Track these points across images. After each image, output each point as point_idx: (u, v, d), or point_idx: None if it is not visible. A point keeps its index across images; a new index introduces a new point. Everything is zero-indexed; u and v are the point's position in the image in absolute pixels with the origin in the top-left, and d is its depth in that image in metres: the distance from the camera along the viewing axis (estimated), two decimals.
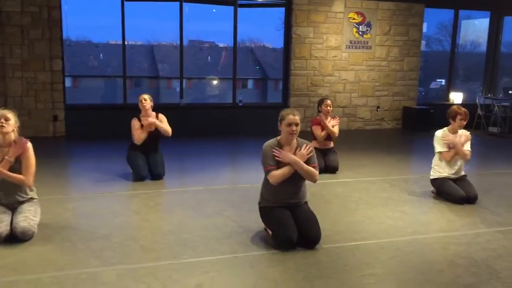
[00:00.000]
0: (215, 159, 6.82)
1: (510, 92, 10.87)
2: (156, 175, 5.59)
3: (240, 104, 10.10)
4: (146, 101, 5.63)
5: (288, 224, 3.57)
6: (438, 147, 5.09)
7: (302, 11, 9.91)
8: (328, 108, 6.30)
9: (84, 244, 3.55)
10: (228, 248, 3.54)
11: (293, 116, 3.67)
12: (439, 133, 5.16)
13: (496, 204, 4.88)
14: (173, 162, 6.34)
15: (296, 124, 3.67)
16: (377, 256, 3.49)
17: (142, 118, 5.61)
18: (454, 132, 5.14)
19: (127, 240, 3.67)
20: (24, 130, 7.34)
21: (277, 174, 3.62)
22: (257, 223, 4.01)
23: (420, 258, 3.49)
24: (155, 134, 5.67)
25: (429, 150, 7.90)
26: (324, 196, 5.06)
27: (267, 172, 3.68)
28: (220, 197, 5.04)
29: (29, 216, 3.64)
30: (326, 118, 6.27)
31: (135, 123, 5.61)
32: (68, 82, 12.54)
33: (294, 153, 3.70)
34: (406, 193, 5.19)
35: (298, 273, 3.14)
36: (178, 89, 10.28)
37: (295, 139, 3.77)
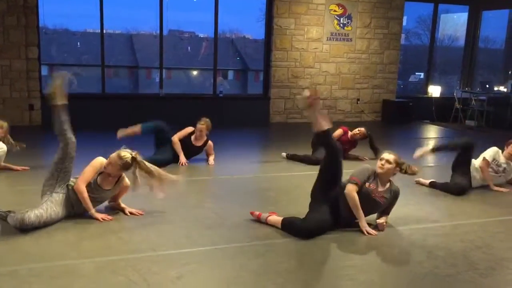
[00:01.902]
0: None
1: (487, 86, 11.05)
2: None
3: (221, 95, 10.04)
4: (203, 125, 5.88)
5: (324, 230, 3.65)
6: (487, 158, 5.17)
7: (283, 2, 9.87)
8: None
9: (61, 236, 3.48)
10: (209, 240, 3.52)
11: (387, 154, 3.80)
12: (494, 151, 5.22)
13: (474, 197, 4.96)
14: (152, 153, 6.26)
15: (387, 161, 3.76)
16: (357, 248, 3.52)
17: (192, 140, 5.99)
18: (508, 159, 5.23)
19: (105, 231, 3.61)
20: None
21: (353, 198, 3.65)
22: (238, 216, 4.00)
23: (399, 249, 3.52)
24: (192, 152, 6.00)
25: (408, 143, 8.00)
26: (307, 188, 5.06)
27: (352, 181, 3.69)
28: (201, 188, 5.01)
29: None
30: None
31: (187, 130, 5.99)
32: (44, 71, 12.26)
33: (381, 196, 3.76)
34: None
35: (279, 265, 3.13)
36: (157, 80, 10.17)
37: (390, 182, 3.84)
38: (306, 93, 3.64)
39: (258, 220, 3.90)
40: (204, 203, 4.43)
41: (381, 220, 3.83)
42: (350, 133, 6.55)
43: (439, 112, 11.26)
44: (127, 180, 4.03)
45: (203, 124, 5.96)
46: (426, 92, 11.96)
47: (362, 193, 3.70)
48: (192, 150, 6.06)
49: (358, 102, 10.82)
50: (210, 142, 6.13)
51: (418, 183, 5.31)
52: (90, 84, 15.90)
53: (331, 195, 3.74)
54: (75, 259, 3.10)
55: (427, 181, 5.28)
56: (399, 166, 3.82)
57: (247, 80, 21.63)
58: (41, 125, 8.49)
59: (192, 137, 6.03)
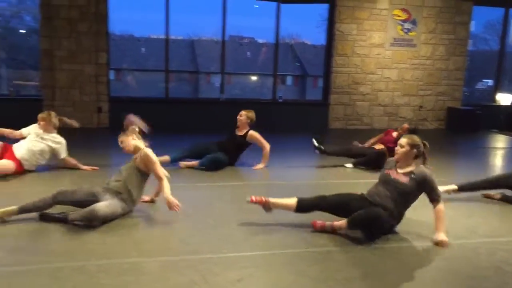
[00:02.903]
0: (253, 155, 6.81)
1: None
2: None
3: (280, 100, 10.08)
4: (242, 116, 6.14)
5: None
6: None
7: (346, 7, 9.78)
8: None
9: (126, 235, 3.62)
10: (267, 245, 3.53)
11: (401, 138, 3.87)
12: None
13: None
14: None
15: (399, 145, 3.82)
16: (421, 259, 3.41)
17: (236, 132, 6.23)
18: None
19: (165, 232, 3.72)
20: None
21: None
22: (295, 221, 3.99)
23: (465, 263, 3.39)
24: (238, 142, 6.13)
25: (474, 152, 7.66)
26: None
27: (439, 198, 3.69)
28: (259, 193, 5.04)
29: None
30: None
31: None
32: (111, 75, 12.84)
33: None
34: (449, 196, 5.04)
35: (338, 273, 3.10)
36: (217, 84, 10.36)
37: (413, 166, 3.79)
38: None
39: (322, 231, 3.81)
40: (261, 208, 4.44)
41: (439, 238, 3.64)
42: (395, 132, 6.52)
43: (509, 121, 10.72)
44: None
45: (242, 115, 6.18)
46: (494, 100, 11.44)
47: (382, 178, 3.79)
48: (238, 141, 6.15)
49: (421, 109, 10.52)
50: (251, 132, 6.19)
51: (487, 196, 5.05)
52: (152, 88, 16.45)
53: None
54: (140, 258, 3.21)
55: (498, 194, 5.02)
56: (414, 148, 3.75)
57: (305, 85, 21.57)
58: (108, 127, 8.86)
59: (236, 129, 6.24)
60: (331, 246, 3.54)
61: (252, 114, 6.23)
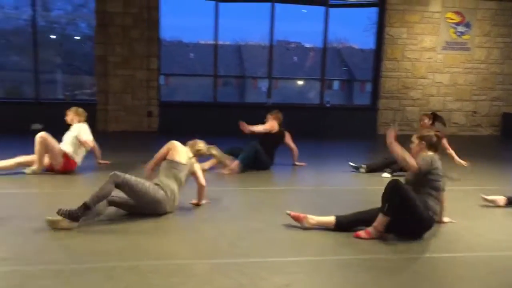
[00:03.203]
0: (302, 159, 6.80)
1: None
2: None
3: (328, 105, 10.01)
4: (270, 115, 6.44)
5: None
6: None
7: (396, 11, 9.62)
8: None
9: (177, 236, 3.70)
10: (316, 251, 3.51)
11: None
12: None
13: None
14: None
15: (410, 142, 4.08)
16: (475, 271, 3.29)
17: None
18: None
19: (216, 234, 3.77)
20: (121, 125, 7.82)
21: None
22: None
23: None
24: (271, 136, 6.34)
25: None
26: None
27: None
28: (307, 198, 5.02)
29: None
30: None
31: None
32: (161, 80, 13.16)
33: None
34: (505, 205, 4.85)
35: (389, 282, 3.04)
36: (263, 89, 10.41)
37: None
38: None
39: (370, 238, 3.74)
40: (310, 213, 4.42)
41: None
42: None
43: None
44: None
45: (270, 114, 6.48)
46: None
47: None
48: (271, 137, 6.33)
49: (475, 114, 10.17)
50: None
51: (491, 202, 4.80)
52: (199, 92, 16.73)
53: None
54: (189, 259, 3.27)
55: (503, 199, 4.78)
56: (423, 140, 3.96)
57: (352, 90, 21.31)
58: (157, 131, 9.08)
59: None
60: (380, 254, 3.48)
61: (278, 113, 6.57)
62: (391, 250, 3.55)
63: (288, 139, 6.51)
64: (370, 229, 3.75)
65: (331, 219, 3.89)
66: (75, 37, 14.55)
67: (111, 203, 3.99)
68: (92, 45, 12.96)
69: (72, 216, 3.68)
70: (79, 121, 5.87)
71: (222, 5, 9.43)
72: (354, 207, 4.43)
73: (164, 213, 4.12)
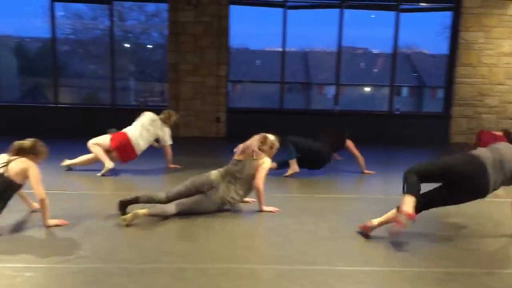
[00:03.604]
0: (369, 168, 6.67)
1: None
2: None
3: (397, 112, 9.75)
4: None
5: None
6: None
7: (472, 15, 9.22)
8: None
9: (244, 241, 3.74)
10: (385, 261, 3.42)
11: None
12: None
13: None
14: (326, 168, 6.39)
15: None
16: None
17: None
18: None
19: (283, 240, 3.77)
20: (191, 130, 8.03)
21: None
22: (417, 238, 3.82)
23: None
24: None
25: None
26: (493, 216, 4.62)
27: None
28: (377, 206, 4.91)
29: None
30: None
31: None
32: (228, 87, 13.37)
33: None
34: None
35: None
36: (329, 96, 10.32)
37: None
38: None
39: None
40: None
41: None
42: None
43: None
44: None
45: None
46: None
47: None
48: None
49: None
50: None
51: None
52: (265, 99, 16.84)
53: None
54: (257, 264, 3.29)
55: None
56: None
57: (422, 97, 20.61)
58: (225, 136, 9.24)
59: None
60: (454, 267, 3.33)
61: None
62: (469, 264, 3.39)
63: (351, 146, 6.42)
64: (399, 217, 3.59)
65: (393, 211, 3.77)
66: (148, 46, 15.16)
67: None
68: (163, 53, 13.47)
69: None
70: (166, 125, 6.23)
71: (290, 12, 9.48)
72: (424, 217, 4.28)
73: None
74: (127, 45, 13.97)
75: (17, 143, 3.89)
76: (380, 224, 3.82)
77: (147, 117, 6.13)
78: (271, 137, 4.58)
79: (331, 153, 6.28)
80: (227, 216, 4.41)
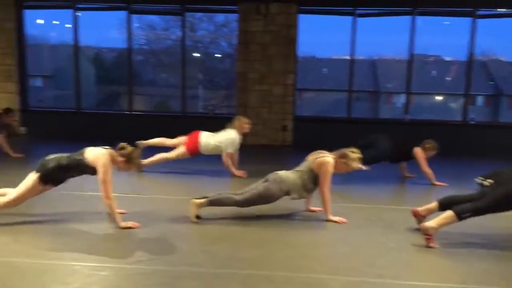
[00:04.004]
0: (441, 179, 6.42)
1: None
2: None
3: (472, 122, 9.33)
4: None
5: None
6: None
7: None
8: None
9: (310, 251, 3.73)
10: (457, 276, 3.29)
11: None
12: None
13: None
14: (397, 180, 6.24)
15: None
16: None
17: None
18: None
19: (350, 251, 3.72)
20: (258, 138, 8.13)
21: None
22: (489, 249, 3.64)
23: None
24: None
25: None
26: None
27: None
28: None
29: None
30: None
31: None
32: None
33: None
34: None
35: None
36: (398, 104, 10.07)
37: None
38: None
39: None
40: (447, 235, 4.15)
41: None
42: None
43: None
44: None
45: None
46: None
47: None
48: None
49: None
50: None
51: None
52: (331, 107, 16.71)
53: None
54: (323, 274, 3.27)
55: None
56: None
57: (499, 106, 19.62)
58: (291, 144, 9.25)
59: None
60: None
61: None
62: None
63: (419, 158, 6.24)
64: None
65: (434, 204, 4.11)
66: (216, 55, 15.55)
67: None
68: (230, 62, 13.75)
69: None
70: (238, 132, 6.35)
71: (359, 20, 9.38)
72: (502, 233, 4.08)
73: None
74: (196, 55, 14.41)
75: (122, 144, 4.10)
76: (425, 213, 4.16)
77: (231, 137, 6.26)
78: (352, 154, 4.48)
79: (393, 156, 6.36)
80: (295, 225, 4.42)
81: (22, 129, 9.82)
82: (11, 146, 7.33)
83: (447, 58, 20.73)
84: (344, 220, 4.45)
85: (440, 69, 20.65)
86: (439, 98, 20.16)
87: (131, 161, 4.08)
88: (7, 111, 7.48)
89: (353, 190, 5.86)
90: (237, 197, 4.31)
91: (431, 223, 3.81)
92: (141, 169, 4.15)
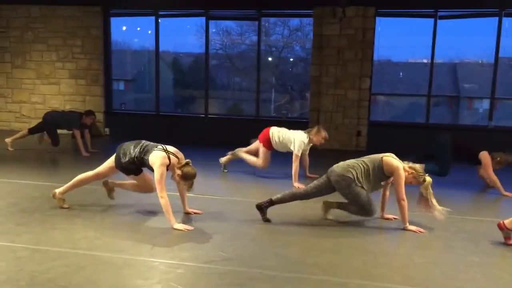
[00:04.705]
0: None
1: None
2: None
3: None
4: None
5: None
6: None
7: None
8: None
9: (385, 259, 3.63)
10: None
11: None
12: None
13: None
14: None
15: None
16: None
17: None
18: None
19: (428, 262, 3.58)
20: (331, 143, 8.04)
21: None
22: None
23: None
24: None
25: None
26: None
27: None
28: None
29: None
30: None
31: None
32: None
33: None
34: None
35: None
36: (480, 110, 9.54)
37: None
38: None
39: None
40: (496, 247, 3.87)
41: None
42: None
43: None
44: None
45: None
46: None
47: None
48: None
49: None
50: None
51: None
52: (406, 112, 16.15)
53: None
54: (399, 284, 3.17)
55: None
56: None
57: None
58: (365, 150, 9.05)
59: None
60: None
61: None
62: None
63: (485, 163, 6.00)
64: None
65: None
66: (290, 59, 15.58)
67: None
68: (303, 66, 13.71)
69: (259, 207, 4.47)
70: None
71: (440, 22, 9.01)
72: None
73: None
74: (270, 59, 14.53)
75: (188, 160, 4.30)
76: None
77: (298, 136, 6.24)
78: (418, 168, 4.38)
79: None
80: (370, 232, 4.33)
81: (106, 130, 10.37)
82: (84, 145, 7.81)
83: None
84: (422, 230, 4.29)
85: None
86: None
87: (186, 180, 4.26)
88: (88, 113, 7.98)
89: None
90: (298, 191, 4.61)
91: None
92: (191, 189, 4.34)
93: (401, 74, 20.29)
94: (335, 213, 4.61)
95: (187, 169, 4.23)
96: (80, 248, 3.61)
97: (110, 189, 4.82)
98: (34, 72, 10.43)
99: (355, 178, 4.29)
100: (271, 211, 4.48)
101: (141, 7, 10.17)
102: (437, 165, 6.17)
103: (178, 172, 4.24)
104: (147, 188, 4.69)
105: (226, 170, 6.78)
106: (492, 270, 3.49)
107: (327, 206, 4.62)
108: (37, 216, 4.38)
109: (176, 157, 4.31)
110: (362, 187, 4.31)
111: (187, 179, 4.24)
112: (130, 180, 4.72)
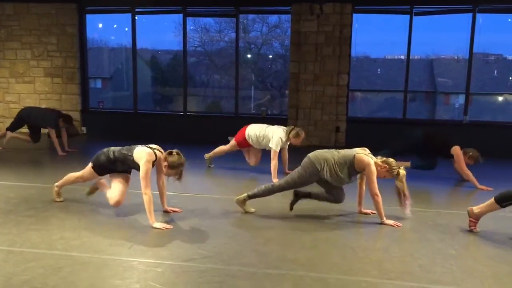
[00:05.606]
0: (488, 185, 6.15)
1: None
2: None
3: None
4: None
5: None
6: None
7: None
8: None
9: (363, 253, 3.67)
10: None
11: None
12: None
13: None
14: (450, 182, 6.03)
15: None
16: None
17: None
18: None
19: (405, 256, 3.63)
20: (310, 139, 8.06)
21: None
22: None
23: None
24: None
25: None
26: None
27: None
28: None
29: None
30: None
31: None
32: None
33: None
34: None
35: None
36: (456, 105, 9.71)
37: None
38: None
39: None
40: (499, 243, 3.96)
41: None
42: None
43: None
44: None
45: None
46: None
47: None
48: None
49: None
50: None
51: None
52: (385, 108, 16.34)
53: None
54: (377, 278, 3.20)
55: None
56: None
57: None
58: (344, 146, 9.12)
59: None
60: None
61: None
62: None
63: (458, 157, 6.16)
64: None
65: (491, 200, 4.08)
66: (269, 56, 15.60)
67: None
68: (283, 63, 13.75)
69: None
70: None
71: (416, 18, 9.12)
72: None
73: None
74: (249, 56, 14.52)
75: (172, 150, 4.26)
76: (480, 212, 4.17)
77: (276, 133, 6.25)
78: (391, 162, 4.41)
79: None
80: (348, 227, 4.37)
81: (83, 129, 10.24)
82: (61, 144, 7.71)
83: (510, 57, 19.81)
84: (399, 224, 4.35)
85: (502, 68, 19.76)
86: (500, 98, 19.30)
87: (173, 168, 4.21)
88: (66, 120, 7.82)
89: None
90: (275, 184, 4.64)
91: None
92: (182, 178, 4.28)
93: (379, 70, 20.50)
94: (318, 206, 4.64)
95: (172, 158, 4.20)
96: (56, 249, 3.56)
97: (94, 190, 4.79)
98: (8, 71, 10.24)
99: (321, 170, 4.38)
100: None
101: (117, 3, 10.05)
102: (422, 160, 6.32)
103: (165, 163, 4.22)
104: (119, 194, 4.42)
105: (212, 165, 6.87)
106: (468, 262, 3.54)
107: (241, 202, 4.65)
108: (12, 217, 4.31)
109: (161, 152, 4.32)
110: (320, 178, 4.44)
111: (174, 167, 4.21)
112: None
